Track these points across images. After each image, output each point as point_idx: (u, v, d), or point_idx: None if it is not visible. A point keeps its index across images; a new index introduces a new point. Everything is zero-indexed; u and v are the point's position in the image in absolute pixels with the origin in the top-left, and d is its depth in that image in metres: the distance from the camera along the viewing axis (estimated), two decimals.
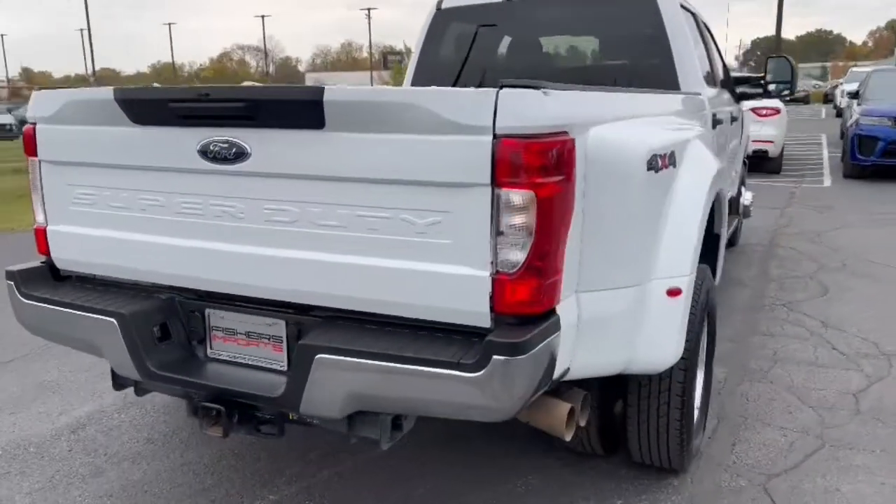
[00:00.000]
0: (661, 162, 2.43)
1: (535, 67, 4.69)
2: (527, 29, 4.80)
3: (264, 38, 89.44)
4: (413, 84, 5.03)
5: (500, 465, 3.10)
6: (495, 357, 1.90)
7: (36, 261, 2.77)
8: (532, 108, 1.94)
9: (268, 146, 2.18)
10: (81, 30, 60.18)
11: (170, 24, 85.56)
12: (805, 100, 46.06)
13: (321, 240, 2.18)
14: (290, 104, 2.11)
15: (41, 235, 2.73)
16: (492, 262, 1.97)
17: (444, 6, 4.92)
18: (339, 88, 2.05)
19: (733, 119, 5.39)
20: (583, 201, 2.16)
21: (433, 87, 2.13)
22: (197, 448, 3.25)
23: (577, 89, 2.23)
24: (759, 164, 12.88)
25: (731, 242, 7.09)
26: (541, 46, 4.79)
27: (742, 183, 7.13)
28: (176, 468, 3.10)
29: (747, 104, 12.10)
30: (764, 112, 12.42)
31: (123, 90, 2.38)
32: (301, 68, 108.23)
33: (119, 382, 2.63)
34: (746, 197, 7.16)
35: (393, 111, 2.00)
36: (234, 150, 2.21)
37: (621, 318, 2.36)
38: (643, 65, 4.48)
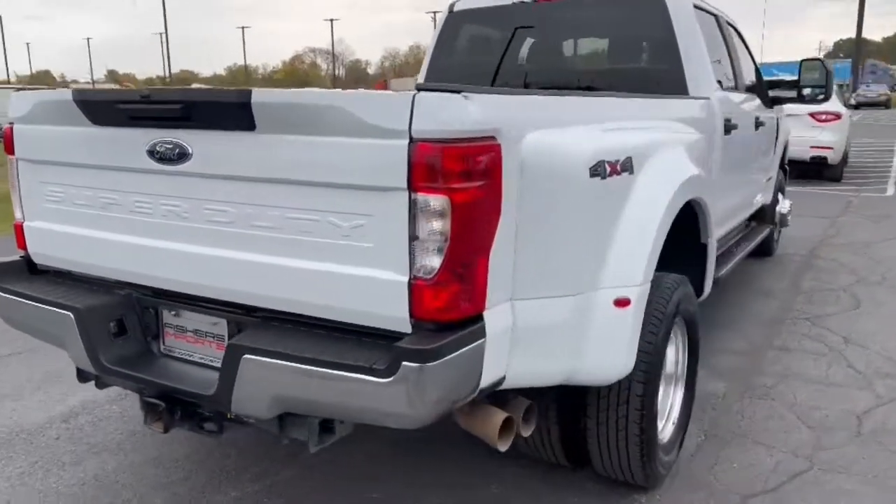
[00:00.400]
0: (611, 168, 2.35)
1: (542, 71, 4.64)
2: (538, 31, 4.75)
3: (332, 41, 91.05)
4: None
5: (465, 470, 3.06)
6: (405, 363, 1.87)
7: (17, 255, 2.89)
8: (451, 113, 1.91)
9: (207, 147, 2.21)
10: (160, 33, 62.31)
11: (243, 27, 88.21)
12: (886, 104, 44.14)
13: (256, 241, 2.19)
14: (221, 106, 2.13)
15: (19, 231, 2.84)
16: (410, 267, 1.95)
17: (456, 8, 4.91)
18: (266, 91, 2.07)
19: (760, 124, 5.19)
20: (517, 207, 2.11)
21: (354, 90, 2.12)
22: (175, 442, 3.32)
23: (511, 94, 2.18)
24: (819, 171, 12.40)
25: (767, 252, 6.84)
26: (551, 49, 4.71)
27: (780, 190, 6.87)
28: (150, 461, 3.18)
29: (804, 108, 11.75)
30: (823, 117, 11.93)
31: (82, 91, 2.46)
32: (370, 71, 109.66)
33: (83, 375, 2.71)
34: (784, 205, 6.89)
35: (317, 113, 2.00)
36: (177, 150, 2.25)
37: (562, 327, 2.29)
38: (651, 67, 4.38)
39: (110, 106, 2.36)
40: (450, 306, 1.96)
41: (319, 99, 2.02)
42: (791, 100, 5.93)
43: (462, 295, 1.97)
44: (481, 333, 2.04)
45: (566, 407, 2.74)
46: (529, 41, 4.81)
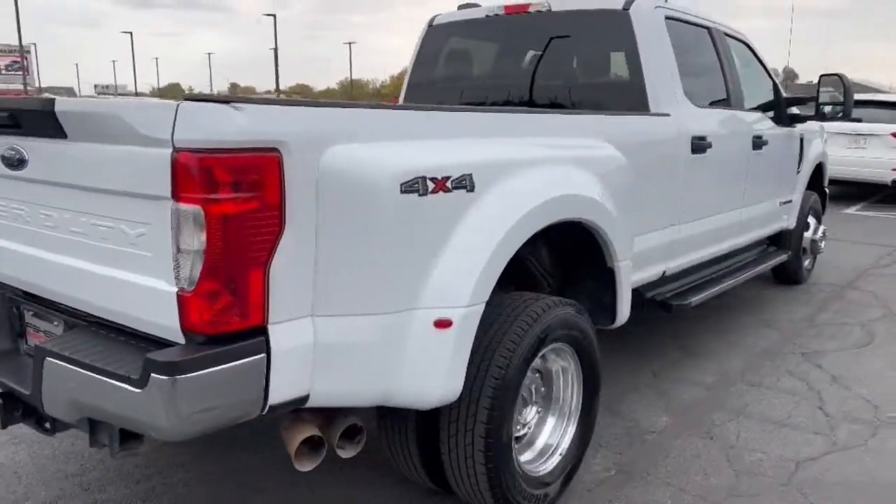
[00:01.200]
0: (436, 185, 2.25)
1: (514, 84, 4.54)
2: (514, 44, 4.66)
3: None
4: (405, 98, 5.03)
5: (346, 486, 3.01)
6: (153, 375, 1.87)
7: None
8: (215, 123, 1.89)
9: (38, 154, 2.29)
10: (276, 49, 65.22)
11: (350, 43, 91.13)
12: None
13: (72, 246, 2.25)
14: (35, 114, 2.20)
15: None
16: (176, 278, 1.94)
17: (436, 22, 4.88)
18: (68, 99, 2.12)
19: (762, 144, 4.86)
20: (315, 222, 2.07)
21: (131, 99, 2.14)
22: None
23: (312, 105, 2.14)
24: None
25: (795, 280, 6.40)
26: (521, 62, 4.60)
27: (814, 215, 6.43)
28: (59, 455, 3.29)
29: (887, 128, 10.95)
30: None
31: None
32: None
33: None
34: (816, 231, 6.43)
35: (105, 122, 2.03)
36: (17, 157, 2.34)
37: (373, 346, 2.21)
38: (614, 82, 4.22)
39: None
40: (217, 319, 1.93)
41: (105, 108, 2.06)
42: (810, 118, 5.56)
43: (231, 308, 1.94)
44: (260, 348, 2.00)
45: (424, 430, 2.65)
46: (506, 54, 4.72)
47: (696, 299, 4.28)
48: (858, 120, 11.45)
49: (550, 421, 2.96)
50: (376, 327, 2.21)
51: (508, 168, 2.54)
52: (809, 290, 6.35)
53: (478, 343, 2.48)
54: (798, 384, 4.19)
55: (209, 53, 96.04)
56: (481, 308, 2.37)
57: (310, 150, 2.05)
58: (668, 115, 3.86)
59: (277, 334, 2.04)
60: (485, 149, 2.52)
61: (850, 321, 5.44)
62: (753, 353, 4.73)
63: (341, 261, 2.13)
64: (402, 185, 2.18)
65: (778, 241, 6.01)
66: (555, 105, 4.31)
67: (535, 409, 2.90)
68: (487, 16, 4.58)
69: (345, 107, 2.24)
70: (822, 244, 6.54)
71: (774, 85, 5.52)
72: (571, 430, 2.96)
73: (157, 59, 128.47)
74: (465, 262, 2.33)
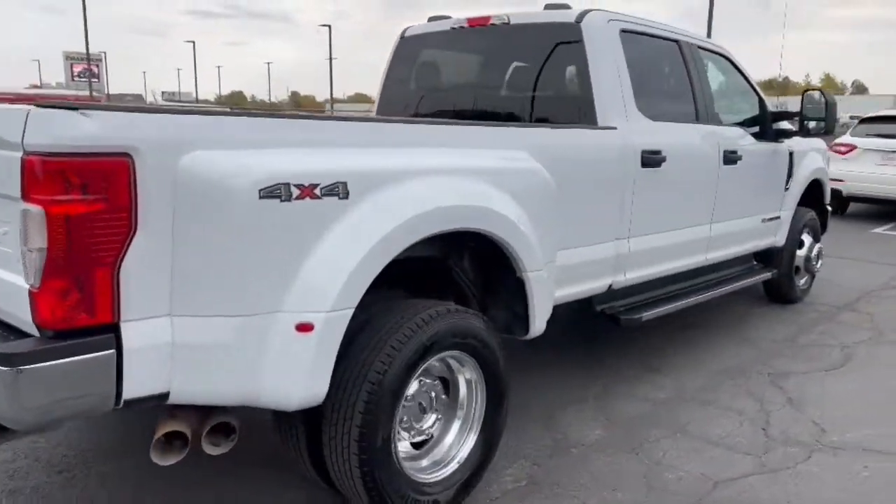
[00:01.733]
0: (302, 192, 2.30)
1: (477, 96, 4.58)
2: (479, 57, 4.71)
3: None
4: (378, 109, 5.11)
5: (257, 487, 3.08)
6: None
7: None
8: (64, 129, 1.99)
9: None
10: (330, 59, 66.41)
11: None
12: None
13: None
14: None
15: None
16: (25, 275, 2.05)
17: (407, 34, 4.96)
18: None
19: (734, 159, 4.77)
20: (171, 224, 2.15)
21: None
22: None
23: (172, 112, 2.22)
24: None
25: (789, 299, 6.23)
26: (489, 75, 4.63)
27: (810, 233, 6.27)
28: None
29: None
30: None
31: None
32: None
33: None
34: (811, 250, 6.26)
35: None
36: None
37: (232, 347, 2.28)
38: (566, 95, 4.22)
39: None
40: (66, 315, 2.03)
41: None
42: (795, 133, 5.44)
43: (79, 305, 2.04)
44: (110, 344, 2.09)
45: (311, 430, 2.70)
46: (469, 66, 4.76)
47: (648, 314, 4.24)
48: (892, 136, 11.11)
49: (454, 429, 2.98)
50: (235, 329, 2.28)
51: (392, 177, 2.57)
52: (802, 310, 6.17)
53: (359, 347, 2.54)
54: (751, 404, 4.10)
55: (268, 63, 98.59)
56: (348, 313, 2.41)
57: (165, 156, 2.13)
58: (614, 128, 3.84)
59: (129, 332, 2.13)
60: (366, 158, 2.56)
61: (832, 342, 5.27)
62: (718, 371, 4.63)
63: (199, 263, 2.21)
64: (260, 190, 2.24)
65: (769, 258, 5.89)
66: (510, 116, 4.33)
67: (434, 416, 2.92)
68: (452, 28, 4.63)
69: (207, 114, 2.32)
70: (818, 263, 6.36)
71: (760, 100, 5.41)
72: (472, 440, 2.97)
73: (219, 67, 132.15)
74: (333, 268, 2.38)
